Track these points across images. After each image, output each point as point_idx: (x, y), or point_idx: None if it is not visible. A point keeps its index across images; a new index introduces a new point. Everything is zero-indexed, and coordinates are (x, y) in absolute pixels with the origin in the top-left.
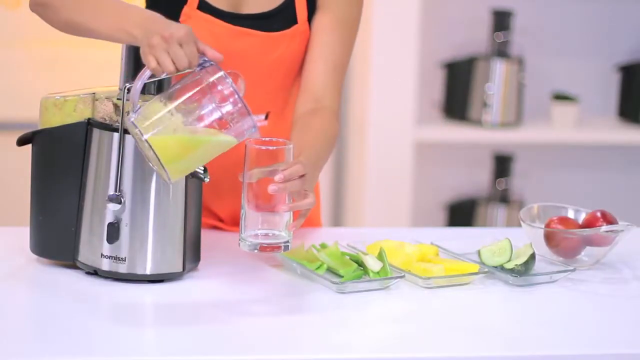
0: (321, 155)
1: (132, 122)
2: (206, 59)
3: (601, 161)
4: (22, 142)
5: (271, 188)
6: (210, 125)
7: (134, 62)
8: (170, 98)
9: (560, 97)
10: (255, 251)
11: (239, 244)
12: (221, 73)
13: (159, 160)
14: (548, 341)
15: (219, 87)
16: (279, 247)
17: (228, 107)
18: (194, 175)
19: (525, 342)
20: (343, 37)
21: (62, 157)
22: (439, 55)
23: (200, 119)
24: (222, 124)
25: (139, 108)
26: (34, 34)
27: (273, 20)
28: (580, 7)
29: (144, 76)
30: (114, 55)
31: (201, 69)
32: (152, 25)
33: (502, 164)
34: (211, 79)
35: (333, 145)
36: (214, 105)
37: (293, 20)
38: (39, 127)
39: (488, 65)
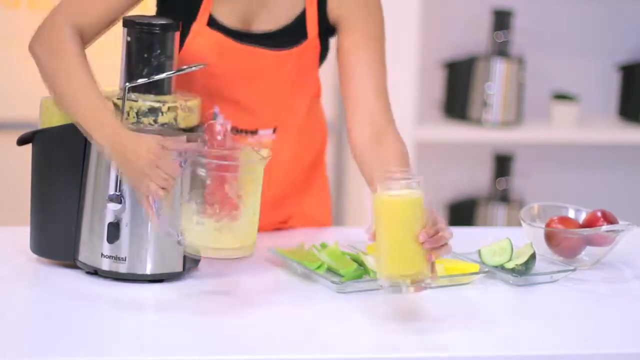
0: None
1: (186, 251)
2: (183, 154)
3: (601, 161)
4: (22, 142)
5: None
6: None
7: (134, 62)
8: (192, 208)
9: (561, 97)
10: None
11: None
12: (204, 161)
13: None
14: (548, 341)
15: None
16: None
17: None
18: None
19: (526, 342)
20: (378, 53)
21: (62, 157)
22: (439, 55)
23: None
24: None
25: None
26: (34, 34)
27: (283, 37)
28: (580, 7)
29: (154, 205)
30: (114, 56)
31: (185, 164)
32: (117, 139)
33: (502, 164)
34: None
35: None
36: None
37: (303, 36)
38: (39, 127)
39: (488, 65)
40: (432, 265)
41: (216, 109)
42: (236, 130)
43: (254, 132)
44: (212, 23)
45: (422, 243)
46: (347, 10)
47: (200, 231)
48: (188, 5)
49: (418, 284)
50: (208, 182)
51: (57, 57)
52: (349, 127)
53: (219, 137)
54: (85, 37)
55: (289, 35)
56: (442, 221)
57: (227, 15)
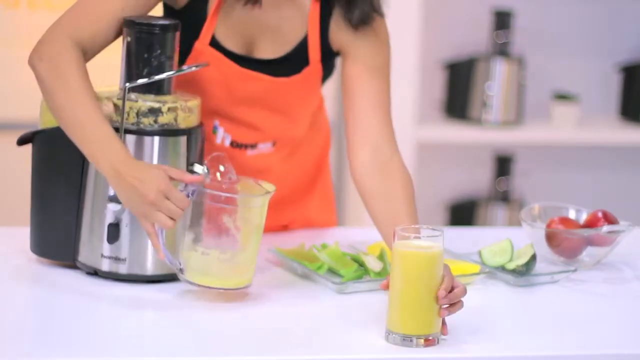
0: (416, 218)
1: (186, 280)
2: (189, 185)
3: (602, 161)
4: (22, 142)
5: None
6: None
7: (134, 62)
8: (195, 239)
9: (561, 97)
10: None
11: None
12: (207, 192)
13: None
14: (549, 341)
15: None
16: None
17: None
18: (192, 172)
19: (526, 342)
20: (383, 83)
21: (62, 157)
22: (439, 55)
23: (214, 237)
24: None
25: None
26: (34, 34)
27: (285, 65)
28: (580, 7)
29: (160, 234)
30: (114, 56)
31: (193, 196)
32: (123, 168)
33: (503, 164)
34: (206, 204)
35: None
36: (217, 222)
37: (305, 62)
38: (39, 127)
39: (488, 65)
40: (443, 320)
41: (216, 122)
42: (236, 144)
43: (253, 146)
44: (215, 44)
45: (438, 299)
46: (349, 39)
47: (203, 262)
48: (192, 24)
49: (429, 339)
50: (212, 214)
51: (57, 74)
52: (350, 155)
53: (221, 167)
54: (88, 52)
55: (291, 63)
56: (454, 278)
57: (229, 38)
